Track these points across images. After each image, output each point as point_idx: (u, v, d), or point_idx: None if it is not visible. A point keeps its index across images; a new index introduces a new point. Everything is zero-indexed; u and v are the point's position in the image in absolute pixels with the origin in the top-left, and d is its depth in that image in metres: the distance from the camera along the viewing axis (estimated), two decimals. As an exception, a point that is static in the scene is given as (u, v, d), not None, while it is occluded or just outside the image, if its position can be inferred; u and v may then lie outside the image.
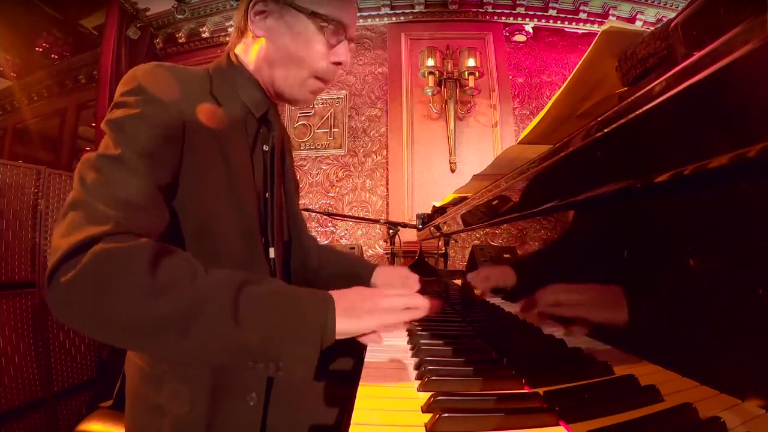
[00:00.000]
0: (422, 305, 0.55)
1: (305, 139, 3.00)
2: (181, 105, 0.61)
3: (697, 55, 0.24)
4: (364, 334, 0.53)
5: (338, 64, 0.72)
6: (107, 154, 0.54)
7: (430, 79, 2.80)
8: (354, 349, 0.87)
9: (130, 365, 0.66)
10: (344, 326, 0.50)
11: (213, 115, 0.64)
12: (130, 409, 0.65)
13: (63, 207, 0.51)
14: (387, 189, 2.88)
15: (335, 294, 0.53)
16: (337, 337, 0.50)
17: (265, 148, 0.75)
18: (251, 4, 0.70)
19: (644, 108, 0.29)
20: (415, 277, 0.92)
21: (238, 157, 0.68)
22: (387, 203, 2.86)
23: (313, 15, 0.68)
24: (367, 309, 0.52)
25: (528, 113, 2.97)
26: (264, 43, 0.71)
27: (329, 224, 2.89)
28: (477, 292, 0.61)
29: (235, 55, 0.74)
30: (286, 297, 0.52)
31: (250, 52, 0.74)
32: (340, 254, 1.04)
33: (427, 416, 0.37)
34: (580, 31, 3.08)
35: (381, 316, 0.52)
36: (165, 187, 0.58)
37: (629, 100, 0.31)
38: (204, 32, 3.16)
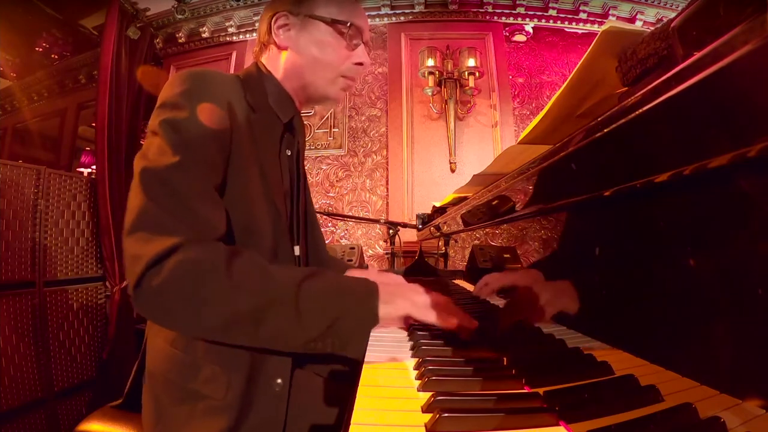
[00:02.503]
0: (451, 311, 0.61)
1: (305, 139, 3.00)
2: (226, 109, 0.66)
3: (697, 55, 0.24)
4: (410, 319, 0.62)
5: (360, 64, 0.79)
6: (167, 164, 0.57)
7: (430, 79, 2.80)
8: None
9: (157, 353, 0.66)
10: (383, 311, 0.59)
11: (248, 118, 0.70)
12: (156, 398, 0.65)
13: (129, 215, 0.55)
14: (387, 189, 2.88)
15: (380, 283, 0.61)
16: (380, 321, 0.59)
17: (289, 153, 0.81)
18: (273, 19, 0.76)
19: (644, 108, 0.29)
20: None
21: (269, 160, 0.73)
22: (387, 203, 2.86)
23: (333, 22, 0.75)
24: (399, 294, 0.61)
25: (528, 113, 2.97)
26: (290, 54, 0.77)
27: (329, 224, 2.89)
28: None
29: (263, 65, 0.80)
30: (340, 289, 0.59)
31: (276, 63, 0.79)
32: (332, 258, 1.07)
33: (427, 416, 0.37)
34: (580, 31, 3.08)
35: (411, 301, 0.61)
36: (218, 186, 0.63)
37: (629, 100, 0.31)
38: (204, 32, 3.16)
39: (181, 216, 0.55)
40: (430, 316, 0.60)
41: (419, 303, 0.61)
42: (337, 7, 0.76)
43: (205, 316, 0.54)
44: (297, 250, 0.80)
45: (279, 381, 0.65)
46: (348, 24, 0.76)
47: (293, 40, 0.77)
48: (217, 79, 0.68)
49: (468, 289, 1.01)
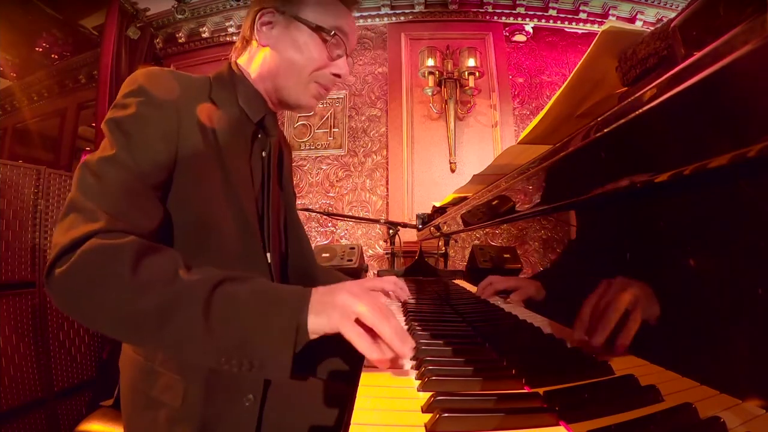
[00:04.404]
0: (384, 316, 0.49)
1: (305, 139, 3.00)
2: (178, 105, 0.64)
3: (697, 55, 0.24)
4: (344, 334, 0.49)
5: (337, 76, 0.77)
6: (103, 156, 0.57)
7: (430, 79, 2.80)
8: (353, 348, 0.86)
9: (126, 359, 0.67)
10: (313, 323, 0.49)
11: (210, 116, 0.67)
12: (127, 404, 0.66)
13: (63, 207, 0.54)
14: (387, 189, 2.88)
15: (316, 289, 0.51)
16: (312, 336, 0.49)
17: (264, 154, 0.78)
18: (259, 15, 0.75)
19: (644, 108, 0.29)
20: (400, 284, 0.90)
21: (235, 159, 0.70)
22: (387, 203, 2.86)
23: (317, 29, 0.73)
24: (333, 303, 0.49)
25: (528, 113, 2.97)
26: (269, 53, 0.75)
27: (329, 224, 2.89)
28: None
29: (237, 65, 0.78)
30: (262, 295, 0.50)
31: (253, 61, 0.77)
32: (322, 268, 1.04)
33: (428, 416, 0.37)
34: (580, 31, 3.08)
35: (345, 313, 0.48)
36: (160, 184, 0.61)
37: (629, 100, 0.31)
38: (204, 32, 3.16)
39: (104, 206, 0.53)
40: (359, 342, 0.48)
41: (349, 316, 0.49)
42: (326, 14, 0.74)
43: (104, 309, 0.49)
44: (269, 257, 0.75)
45: (250, 396, 0.63)
46: (332, 33, 0.73)
47: (274, 38, 0.74)
48: (168, 77, 0.66)
49: (468, 289, 1.01)
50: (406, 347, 0.48)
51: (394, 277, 0.92)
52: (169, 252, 0.54)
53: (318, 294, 0.51)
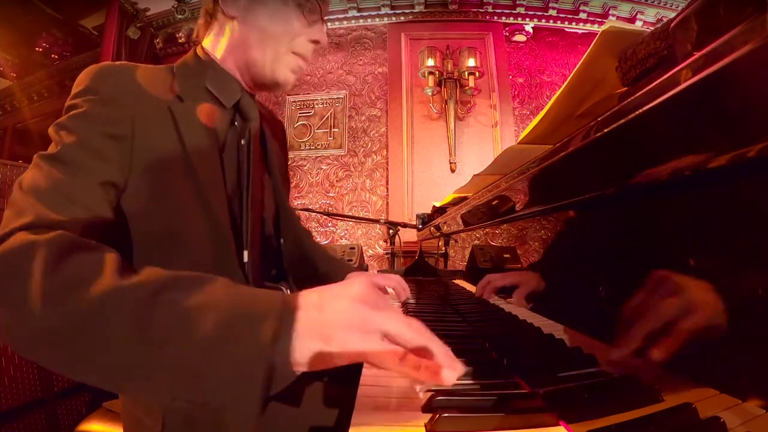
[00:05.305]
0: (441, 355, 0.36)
1: (305, 139, 3.00)
2: (132, 103, 0.59)
3: (697, 55, 0.24)
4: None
5: (315, 42, 0.71)
6: (45, 153, 0.53)
7: (430, 79, 2.80)
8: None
9: None
10: (307, 349, 0.34)
11: (174, 113, 0.62)
12: (123, 423, 0.65)
13: None
14: (387, 189, 2.88)
15: (305, 297, 0.36)
16: (303, 369, 0.34)
17: (242, 142, 0.71)
18: None
19: (644, 108, 0.29)
20: (404, 285, 0.88)
21: (203, 155, 0.63)
22: (387, 203, 2.86)
23: None
24: (347, 323, 0.34)
25: (528, 113, 2.97)
26: (236, 25, 0.69)
27: (329, 224, 2.89)
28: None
29: (203, 49, 0.72)
30: (224, 305, 0.36)
31: (220, 39, 0.71)
32: (324, 254, 0.97)
33: (427, 416, 0.37)
34: (580, 31, 3.08)
35: (370, 337, 0.34)
36: (110, 184, 0.55)
37: (629, 100, 0.31)
38: (204, 32, 3.16)
39: (38, 198, 0.48)
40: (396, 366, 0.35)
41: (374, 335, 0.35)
42: None
43: (16, 318, 0.38)
44: (246, 255, 0.68)
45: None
46: None
47: (242, 8, 0.68)
48: (121, 73, 0.61)
49: (468, 289, 1.02)
50: (457, 364, 0.36)
51: (399, 276, 0.91)
52: (105, 251, 0.43)
53: (314, 307, 0.35)
